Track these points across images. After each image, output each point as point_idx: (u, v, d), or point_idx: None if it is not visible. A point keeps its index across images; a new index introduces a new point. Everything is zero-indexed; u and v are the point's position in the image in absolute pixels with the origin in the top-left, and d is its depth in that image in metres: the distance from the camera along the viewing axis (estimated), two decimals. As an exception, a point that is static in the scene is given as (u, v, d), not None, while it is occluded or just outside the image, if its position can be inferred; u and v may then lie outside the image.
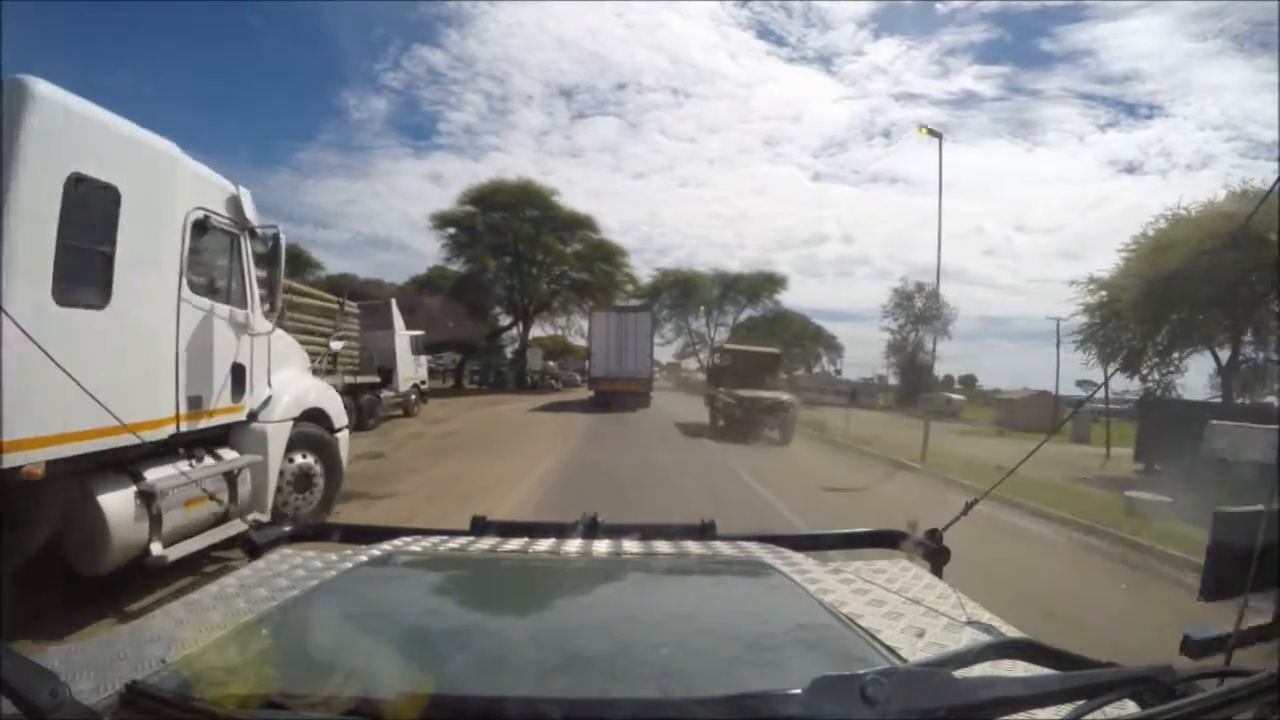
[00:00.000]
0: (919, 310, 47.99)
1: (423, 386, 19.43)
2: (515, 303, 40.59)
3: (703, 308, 53.58)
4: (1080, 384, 31.98)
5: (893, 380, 52.55)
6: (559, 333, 44.41)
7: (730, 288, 53.32)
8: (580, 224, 40.17)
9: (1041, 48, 56.73)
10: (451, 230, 38.60)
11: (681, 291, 52.53)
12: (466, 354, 39.84)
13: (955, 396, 45.33)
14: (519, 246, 38.34)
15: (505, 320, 41.37)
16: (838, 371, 54.28)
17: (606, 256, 40.96)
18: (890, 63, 57.80)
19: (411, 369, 18.37)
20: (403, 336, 17.96)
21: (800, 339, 53.06)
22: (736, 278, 53.69)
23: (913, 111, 61.85)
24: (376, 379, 15.63)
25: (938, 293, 39.05)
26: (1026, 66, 67.57)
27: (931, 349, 45.29)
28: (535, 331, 42.93)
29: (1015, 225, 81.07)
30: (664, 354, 55.44)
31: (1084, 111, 48.51)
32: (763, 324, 51.66)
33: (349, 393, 12.70)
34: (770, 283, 53.04)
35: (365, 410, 14.63)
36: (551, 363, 47.85)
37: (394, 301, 18.49)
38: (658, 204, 75.13)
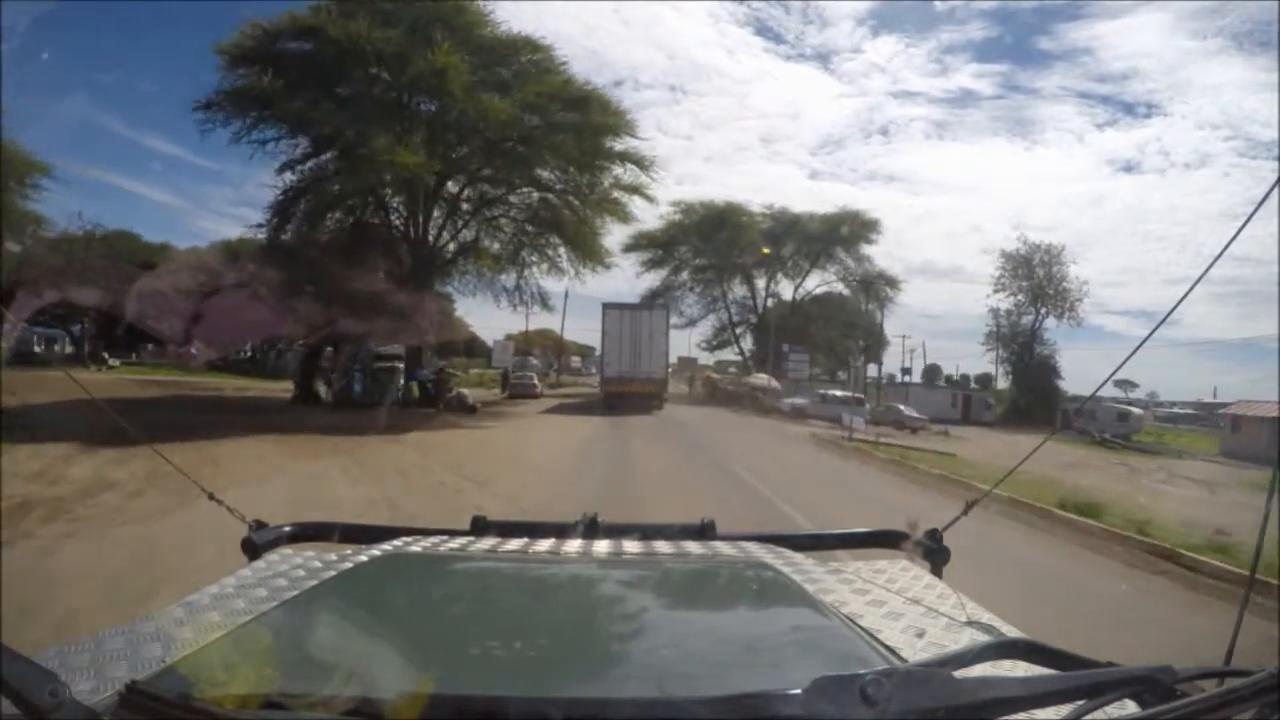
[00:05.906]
0: (1039, 282, 33.44)
1: None
2: (394, 229, 20.00)
3: (765, 251, 34.36)
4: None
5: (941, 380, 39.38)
6: (523, 298, 24.54)
7: (790, 232, 34.59)
8: (528, 52, 19.35)
9: (1040, 46, 56.92)
10: (251, 67, 17.86)
11: (711, 237, 33.73)
12: (321, 341, 20.09)
13: (1134, 410, 30.33)
14: (387, 79, 17.89)
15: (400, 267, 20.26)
16: (905, 371, 38.02)
17: (578, 125, 19.02)
18: (888, 60, 57.25)
19: None
20: None
21: (854, 329, 36.71)
22: (800, 218, 34.50)
23: (911, 109, 61.41)
24: None
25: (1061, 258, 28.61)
26: (1025, 65, 67.30)
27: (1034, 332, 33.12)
28: (500, 319, 25.80)
29: (1013, 224, 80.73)
30: (683, 342, 39.38)
31: (1082, 110, 48.29)
32: (843, 297, 35.45)
33: None
34: (857, 225, 33.99)
35: None
36: (534, 359, 36.48)
37: None
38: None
